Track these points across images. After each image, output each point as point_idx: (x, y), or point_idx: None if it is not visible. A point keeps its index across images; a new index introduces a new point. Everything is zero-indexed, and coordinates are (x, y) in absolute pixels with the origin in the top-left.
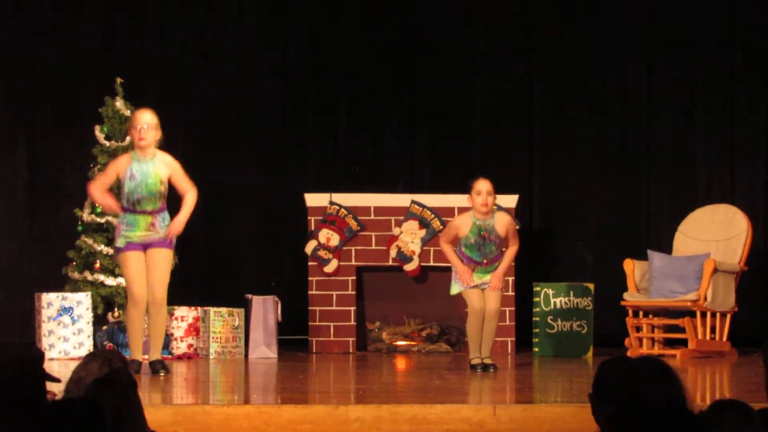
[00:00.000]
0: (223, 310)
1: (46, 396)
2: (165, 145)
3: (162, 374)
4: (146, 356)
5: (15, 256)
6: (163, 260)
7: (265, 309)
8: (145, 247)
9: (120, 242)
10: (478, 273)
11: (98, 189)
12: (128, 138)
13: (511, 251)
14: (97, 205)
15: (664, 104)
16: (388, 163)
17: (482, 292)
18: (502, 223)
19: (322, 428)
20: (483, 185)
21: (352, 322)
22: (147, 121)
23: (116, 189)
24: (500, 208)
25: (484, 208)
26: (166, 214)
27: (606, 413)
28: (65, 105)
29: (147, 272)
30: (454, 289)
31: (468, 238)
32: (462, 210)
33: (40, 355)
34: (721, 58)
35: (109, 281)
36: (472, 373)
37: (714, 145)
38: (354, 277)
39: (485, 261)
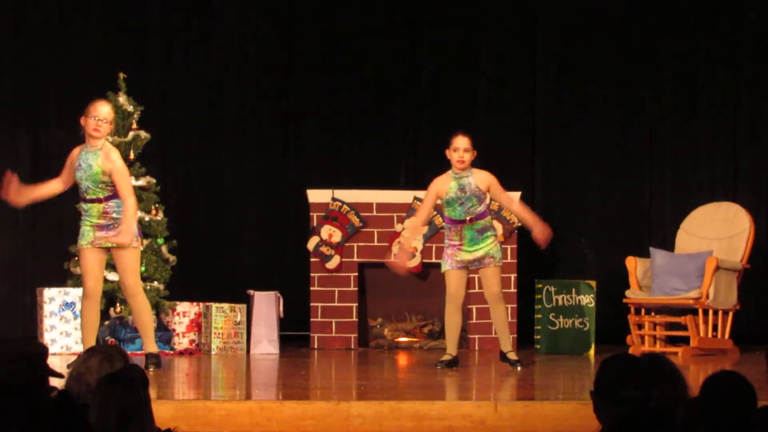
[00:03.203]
0: (225, 305)
1: (49, 391)
2: (168, 142)
3: (151, 370)
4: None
5: (17, 250)
6: (127, 257)
7: (267, 305)
8: (107, 248)
9: (81, 240)
10: (467, 247)
11: (54, 182)
12: (131, 133)
13: (518, 204)
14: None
15: (667, 101)
16: (390, 160)
17: (465, 277)
18: (482, 178)
19: (324, 424)
20: (460, 142)
21: (354, 319)
22: (105, 114)
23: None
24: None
25: (459, 165)
26: (119, 201)
27: (611, 413)
28: (68, 100)
29: (116, 267)
30: (443, 266)
31: (448, 194)
32: None
33: (43, 351)
34: (724, 54)
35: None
36: (448, 370)
37: (717, 143)
38: (356, 274)
39: (468, 218)
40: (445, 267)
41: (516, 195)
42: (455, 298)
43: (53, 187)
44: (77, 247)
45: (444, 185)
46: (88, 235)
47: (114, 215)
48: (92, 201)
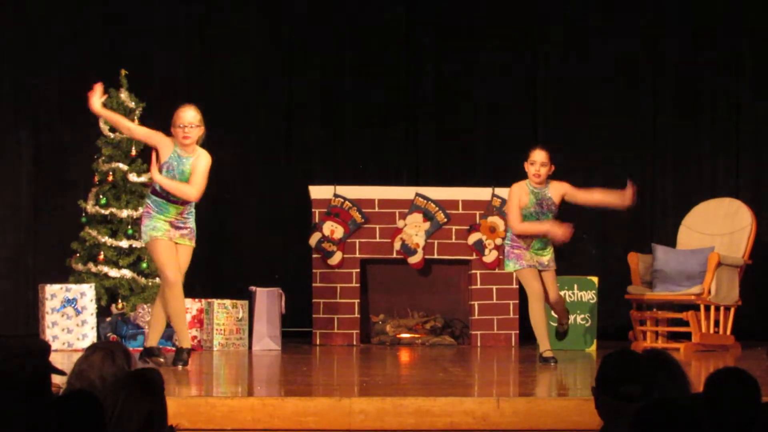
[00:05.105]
0: (227, 302)
1: (51, 388)
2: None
3: (162, 360)
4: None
5: (19, 247)
6: (186, 254)
7: (269, 301)
8: (170, 239)
9: (153, 232)
10: (533, 251)
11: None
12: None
13: (599, 192)
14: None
15: (669, 97)
16: (392, 156)
17: (539, 273)
18: (556, 190)
19: (326, 421)
20: (538, 155)
21: (356, 315)
22: (191, 119)
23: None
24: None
25: (536, 179)
26: (191, 205)
27: (613, 408)
28: (69, 97)
29: None
30: (509, 267)
31: (528, 208)
32: (467, 203)
33: (46, 348)
34: (726, 50)
35: (113, 273)
36: (542, 367)
37: (718, 139)
38: (358, 270)
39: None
40: (515, 267)
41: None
42: (539, 295)
43: (125, 125)
44: (148, 238)
45: (524, 195)
46: (162, 228)
47: (186, 216)
48: (175, 202)
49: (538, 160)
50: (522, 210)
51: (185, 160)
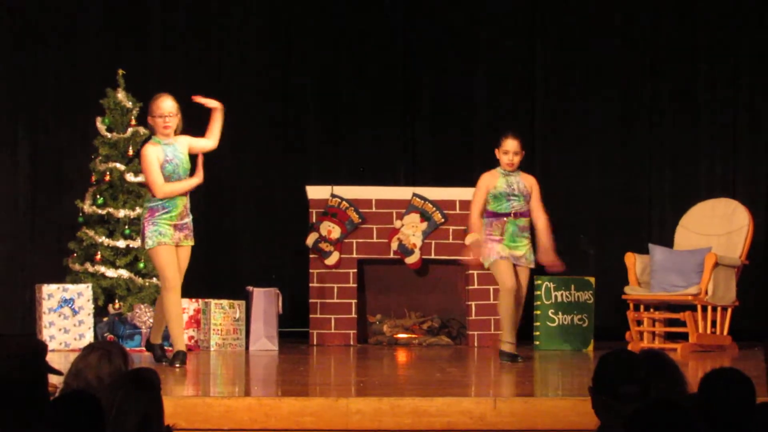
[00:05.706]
0: (224, 302)
1: (48, 388)
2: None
3: (177, 366)
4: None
5: (16, 247)
6: (187, 255)
7: (266, 301)
8: (176, 244)
9: (161, 237)
10: (507, 242)
11: (165, 185)
12: (130, 129)
13: (544, 223)
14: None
15: (667, 98)
16: (389, 156)
17: (513, 267)
18: (528, 181)
19: (323, 421)
20: (510, 145)
21: (353, 315)
22: (170, 108)
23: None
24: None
25: (508, 167)
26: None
27: (609, 408)
28: (67, 96)
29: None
30: (488, 260)
31: (497, 188)
32: (464, 204)
33: (42, 348)
34: (724, 50)
35: (110, 273)
36: (509, 365)
37: (716, 139)
38: (355, 270)
39: (513, 212)
40: (490, 259)
41: None
42: (511, 289)
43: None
44: (154, 244)
45: (493, 180)
46: (168, 233)
47: (188, 211)
48: (181, 194)
49: (511, 149)
50: (493, 191)
51: (175, 147)
